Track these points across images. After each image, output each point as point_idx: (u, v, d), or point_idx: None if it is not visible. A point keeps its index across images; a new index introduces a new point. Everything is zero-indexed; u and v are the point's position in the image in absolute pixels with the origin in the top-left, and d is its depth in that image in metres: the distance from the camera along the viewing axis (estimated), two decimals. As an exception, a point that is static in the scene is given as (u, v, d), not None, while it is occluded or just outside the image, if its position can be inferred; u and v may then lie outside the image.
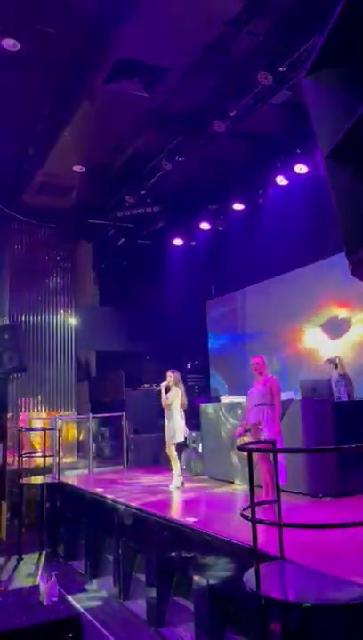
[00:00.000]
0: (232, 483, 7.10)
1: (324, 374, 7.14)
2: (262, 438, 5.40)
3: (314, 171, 8.49)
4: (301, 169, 8.60)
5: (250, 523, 3.22)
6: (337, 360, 7.22)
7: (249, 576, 3.17)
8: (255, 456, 4.61)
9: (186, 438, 7.78)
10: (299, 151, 8.56)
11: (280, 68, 6.60)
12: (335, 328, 8.85)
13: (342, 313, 8.73)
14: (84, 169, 9.86)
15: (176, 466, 7.28)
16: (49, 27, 6.44)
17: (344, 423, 5.86)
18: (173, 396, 7.42)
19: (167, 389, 7.53)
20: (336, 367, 7.14)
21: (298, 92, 6.86)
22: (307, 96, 1.91)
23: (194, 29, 6.43)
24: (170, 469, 7.42)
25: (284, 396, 6.81)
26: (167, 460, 7.53)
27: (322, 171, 1.97)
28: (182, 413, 7.45)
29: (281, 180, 9.04)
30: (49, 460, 8.76)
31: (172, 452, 7.33)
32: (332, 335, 8.94)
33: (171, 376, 7.56)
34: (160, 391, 7.54)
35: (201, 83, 7.39)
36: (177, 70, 7.20)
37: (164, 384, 7.54)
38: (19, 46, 6.70)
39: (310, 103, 1.91)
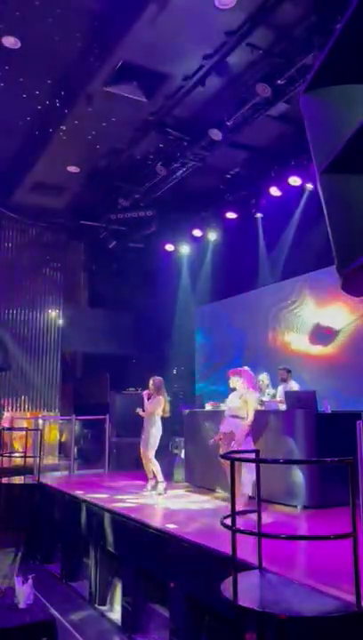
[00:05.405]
0: (214, 491, 7.09)
1: (309, 385, 7.20)
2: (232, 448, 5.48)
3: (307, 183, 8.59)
4: (295, 181, 8.67)
5: (230, 531, 3.22)
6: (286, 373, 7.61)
7: (226, 585, 3.17)
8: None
9: (170, 445, 7.73)
10: (293, 163, 8.63)
11: (279, 81, 6.67)
12: (321, 338, 8.92)
13: (328, 324, 8.80)
14: (78, 170, 9.86)
15: (158, 471, 7.23)
16: (50, 26, 6.44)
17: (328, 435, 5.88)
18: (155, 405, 7.33)
19: (149, 397, 7.47)
20: (284, 380, 7.53)
21: (295, 104, 6.94)
22: (305, 111, 1.93)
23: (194, 38, 6.48)
24: (147, 475, 7.36)
25: (267, 405, 6.86)
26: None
27: (316, 184, 1.99)
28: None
29: (275, 191, 9.11)
30: (30, 461, 8.67)
31: (152, 458, 7.26)
32: (318, 346, 9.00)
33: (151, 384, 7.51)
34: (140, 411, 7.45)
35: (200, 91, 7.43)
36: (176, 77, 7.25)
37: (140, 411, 7.46)
38: (19, 44, 6.69)
39: (307, 118, 1.93)
